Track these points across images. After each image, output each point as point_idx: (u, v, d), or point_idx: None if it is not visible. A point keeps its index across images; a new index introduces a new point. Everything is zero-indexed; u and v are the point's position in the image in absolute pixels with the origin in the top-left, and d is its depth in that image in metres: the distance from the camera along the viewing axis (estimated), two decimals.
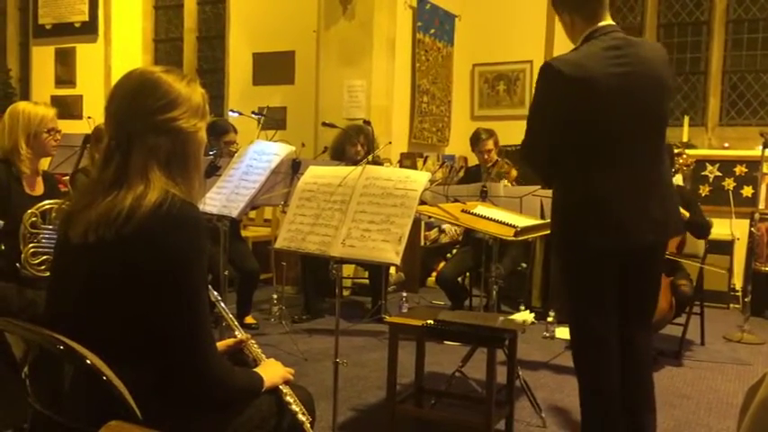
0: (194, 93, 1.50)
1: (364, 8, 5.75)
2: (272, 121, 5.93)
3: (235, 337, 1.84)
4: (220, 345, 1.75)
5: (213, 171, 3.67)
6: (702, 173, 5.83)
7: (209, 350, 1.45)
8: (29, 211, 2.64)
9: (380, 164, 4.69)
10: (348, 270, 5.62)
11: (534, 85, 2.43)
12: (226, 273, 3.63)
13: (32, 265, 2.53)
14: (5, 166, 2.75)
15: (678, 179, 4.85)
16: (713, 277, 4.85)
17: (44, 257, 2.56)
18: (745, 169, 5.74)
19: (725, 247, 5.50)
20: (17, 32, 8.50)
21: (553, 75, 2.28)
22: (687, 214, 4.11)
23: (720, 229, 4.56)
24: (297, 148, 4.07)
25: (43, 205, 2.68)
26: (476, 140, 4.86)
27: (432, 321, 2.62)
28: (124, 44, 7.78)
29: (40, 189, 2.85)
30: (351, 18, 5.79)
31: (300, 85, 6.61)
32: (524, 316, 2.76)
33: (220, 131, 4.61)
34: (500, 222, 2.86)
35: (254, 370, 1.66)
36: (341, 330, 2.70)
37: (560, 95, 2.29)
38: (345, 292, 5.66)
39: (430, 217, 3.14)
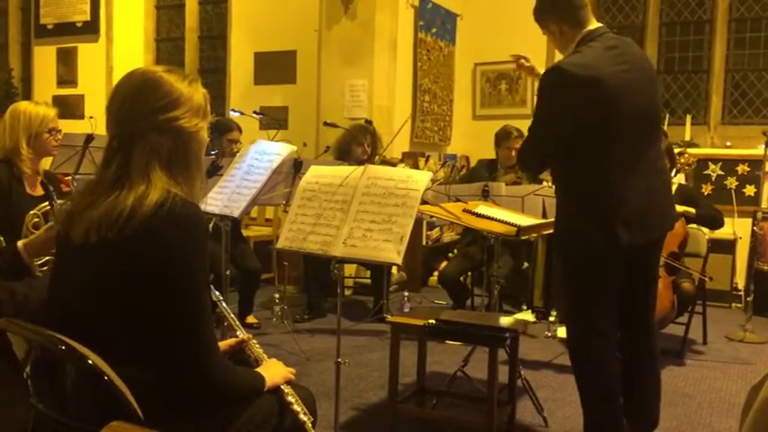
0: (196, 92, 1.50)
1: (366, 8, 5.75)
2: (274, 120, 5.93)
3: (236, 336, 1.84)
4: (222, 344, 1.75)
5: (215, 171, 3.67)
6: (705, 172, 5.82)
7: (210, 350, 1.45)
8: (31, 212, 2.64)
9: (393, 164, 4.67)
10: (350, 270, 5.62)
11: (541, 90, 2.44)
12: (227, 272, 3.63)
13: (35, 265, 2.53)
14: (6, 166, 2.75)
15: (680, 178, 4.84)
16: (715, 276, 4.84)
17: (46, 258, 2.56)
18: (747, 168, 5.73)
19: (727, 247, 5.50)
20: (19, 32, 8.50)
21: (566, 78, 2.31)
22: (693, 211, 4.10)
23: (723, 228, 4.55)
24: (298, 147, 4.06)
25: (45, 206, 2.68)
26: (505, 136, 4.75)
27: (433, 321, 2.62)
28: (126, 44, 7.78)
29: (40, 189, 2.85)
30: (352, 17, 5.79)
31: (302, 84, 6.61)
32: (526, 315, 2.75)
33: (224, 129, 4.61)
34: (502, 222, 2.86)
35: (256, 370, 1.66)
36: (342, 330, 2.70)
37: (574, 97, 2.32)
38: (347, 292, 5.66)
39: (432, 216, 3.13)
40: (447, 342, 3.92)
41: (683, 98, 6.50)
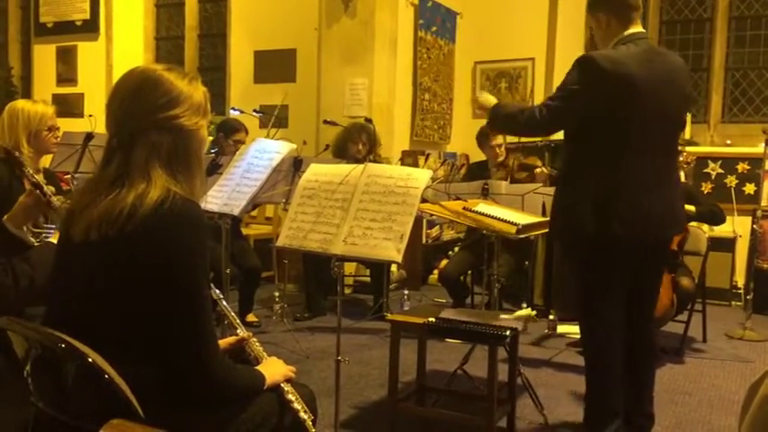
0: (196, 91, 1.50)
1: (366, 6, 5.74)
2: (275, 119, 5.93)
3: (236, 335, 1.84)
4: (222, 343, 1.75)
5: (215, 169, 3.67)
6: (704, 170, 5.82)
7: (211, 348, 1.45)
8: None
9: (380, 163, 4.68)
10: (350, 268, 5.62)
11: (570, 74, 2.51)
12: (227, 271, 3.63)
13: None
14: (6, 164, 2.74)
15: (680, 177, 4.83)
16: (715, 274, 4.84)
17: (41, 230, 2.54)
18: (747, 166, 5.73)
19: (727, 245, 5.50)
20: (18, 31, 8.50)
21: (594, 67, 2.43)
22: (693, 209, 4.10)
23: (722, 226, 4.55)
24: (298, 146, 4.06)
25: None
26: (484, 136, 4.77)
27: (433, 319, 2.62)
28: (125, 42, 7.77)
29: None
30: (352, 16, 5.78)
31: (302, 83, 6.61)
32: (526, 314, 2.76)
33: (231, 130, 4.62)
34: (502, 220, 2.86)
35: (256, 368, 1.66)
36: (342, 328, 2.70)
37: (598, 87, 2.42)
38: (347, 290, 5.66)
39: (431, 215, 3.13)
40: (447, 340, 3.93)
41: None
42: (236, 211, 3.40)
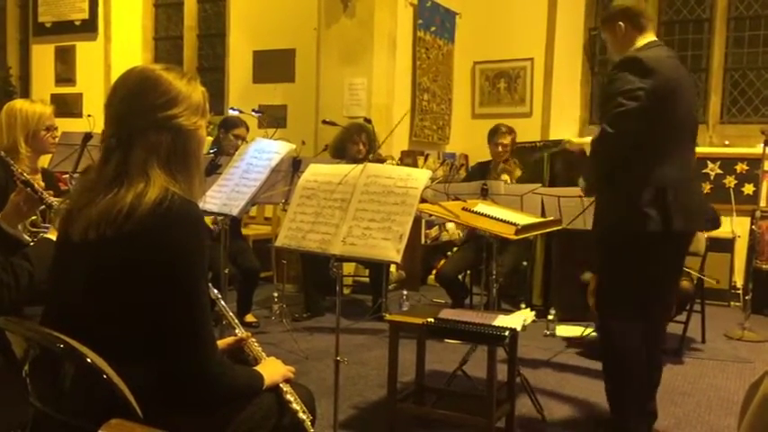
0: (194, 90, 1.50)
1: (365, 6, 5.74)
2: (273, 119, 5.92)
3: (235, 335, 1.84)
4: (221, 343, 1.75)
5: (214, 169, 3.66)
6: (703, 170, 5.82)
7: (209, 348, 1.45)
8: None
9: (382, 161, 4.69)
10: (349, 268, 5.62)
11: (618, 76, 2.57)
12: (226, 271, 3.63)
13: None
14: (4, 164, 2.74)
15: None
16: (714, 275, 4.84)
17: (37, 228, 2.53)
18: (746, 167, 5.74)
19: (726, 245, 5.50)
20: (17, 30, 8.49)
21: (643, 64, 2.54)
22: None
23: (721, 227, 4.56)
24: (297, 146, 4.06)
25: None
26: (494, 132, 4.87)
27: (432, 319, 2.62)
28: (124, 42, 7.77)
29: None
30: (351, 16, 5.78)
31: (301, 83, 6.61)
32: (525, 314, 2.75)
33: (231, 125, 4.63)
34: (501, 220, 2.86)
35: (255, 368, 1.66)
36: (341, 328, 2.70)
37: (648, 81, 2.51)
38: (346, 291, 5.66)
39: (431, 215, 3.13)
40: (446, 341, 3.93)
41: None
42: (234, 212, 3.39)
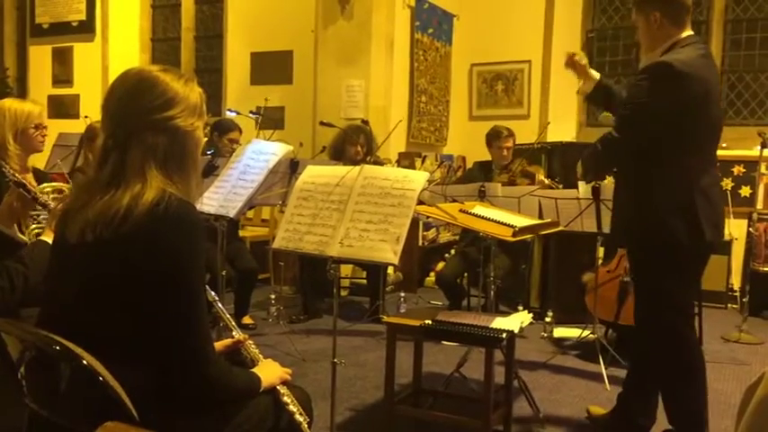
0: (192, 92, 1.49)
1: (362, 8, 5.74)
2: (270, 120, 5.92)
3: (232, 337, 1.83)
4: (218, 345, 1.75)
5: (211, 171, 3.66)
6: None
7: (207, 350, 1.44)
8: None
9: (381, 164, 4.69)
10: (346, 270, 5.61)
11: (645, 83, 2.49)
12: (223, 273, 3.62)
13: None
14: None
15: None
16: (711, 277, 4.85)
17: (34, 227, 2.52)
18: (743, 169, 5.74)
19: (723, 247, 5.50)
20: (14, 31, 8.48)
21: (675, 72, 2.41)
22: None
23: None
24: (295, 147, 4.06)
25: (44, 187, 2.66)
26: (496, 136, 4.80)
27: (430, 321, 2.61)
28: (121, 43, 7.76)
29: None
30: (349, 18, 5.78)
31: (299, 84, 6.61)
32: (522, 316, 2.75)
33: (225, 129, 4.62)
34: (498, 222, 2.86)
35: (252, 370, 1.65)
36: (339, 330, 2.69)
37: (680, 90, 2.42)
38: (343, 293, 5.65)
39: (428, 217, 3.13)
40: (443, 343, 3.92)
41: None
42: (232, 213, 3.39)
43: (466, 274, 4.92)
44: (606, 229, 3.68)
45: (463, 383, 3.27)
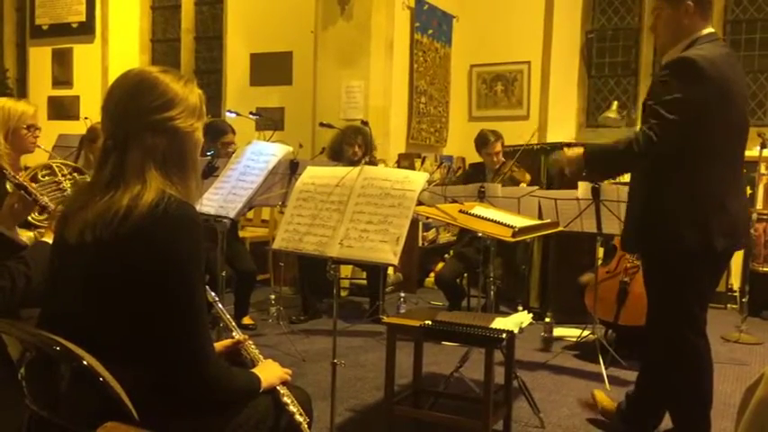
0: (191, 93, 1.50)
1: (362, 9, 5.75)
2: (270, 121, 5.93)
3: (232, 337, 1.83)
4: (218, 345, 1.75)
5: (211, 172, 3.66)
6: None
7: (206, 351, 1.44)
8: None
9: (375, 164, 4.69)
10: (346, 271, 5.61)
11: (672, 82, 2.38)
12: (223, 273, 3.62)
13: (39, 221, 2.48)
14: None
15: None
16: None
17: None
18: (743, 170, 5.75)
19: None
20: (14, 33, 8.48)
21: (698, 69, 2.32)
22: None
23: None
24: (294, 148, 4.06)
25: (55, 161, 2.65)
26: (484, 142, 4.82)
27: (429, 322, 2.62)
28: (121, 45, 7.76)
29: None
30: (348, 19, 5.79)
31: (298, 85, 6.61)
32: (522, 316, 2.75)
33: (218, 133, 4.58)
34: (498, 223, 2.86)
35: (252, 371, 1.66)
36: (339, 331, 2.70)
37: (703, 88, 2.33)
38: (343, 293, 5.65)
39: (428, 218, 3.13)
40: (443, 343, 3.92)
41: None
42: (232, 214, 3.39)
43: (466, 275, 4.93)
44: (606, 229, 3.69)
45: (463, 384, 3.27)
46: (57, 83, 7.96)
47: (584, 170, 2.61)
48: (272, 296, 4.80)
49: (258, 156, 3.56)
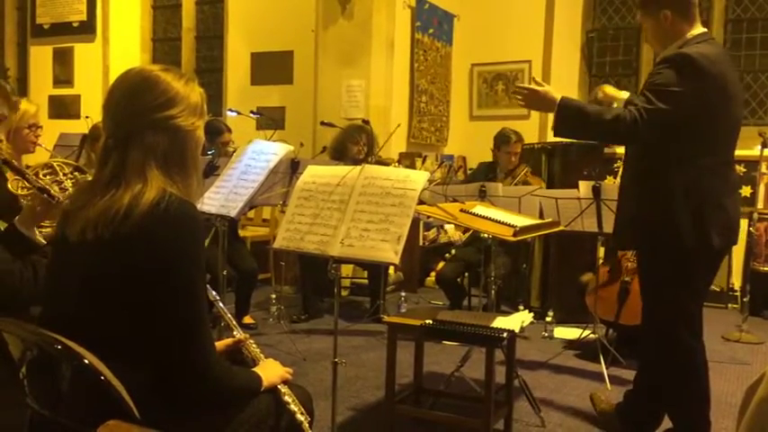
0: (192, 91, 1.50)
1: (363, 8, 5.74)
2: (271, 120, 5.92)
3: (233, 336, 1.83)
4: (219, 344, 1.75)
5: (212, 171, 3.66)
6: None
7: (207, 350, 1.44)
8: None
9: (387, 164, 4.68)
10: (347, 270, 5.61)
11: (665, 73, 2.39)
12: (224, 273, 3.62)
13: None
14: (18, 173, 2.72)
15: None
16: None
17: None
18: (743, 169, 5.74)
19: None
20: (15, 32, 8.48)
21: (696, 64, 2.33)
22: None
23: None
24: (295, 147, 4.06)
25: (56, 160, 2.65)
26: (505, 140, 4.75)
27: (430, 321, 2.62)
28: (122, 44, 7.77)
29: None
30: (349, 18, 5.78)
31: (299, 84, 6.61)
32: (523, 316, 2.75)
33: (215, 133, 4.58)
34: (499, 222, 2.86)
35: (253, 369, 1.66)
36: (340, 330, 2.69)
37: (700, 84, 2.34)
38: (344, 292, 5.65)
39: (429, 217, 3.13)
40: (444, 342, 3.92)
41: None
42: (233, 213, 3.39)
43: (467, 274, 4.92)
44: (607, 228, 3.68)
45: (464, 383, 3.27)
46: (57, 82, 7.96)
47: (554, 119, 2.50)
48: (273, 295, 4.80)
49: (259, 155, 3.56)
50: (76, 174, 2.56)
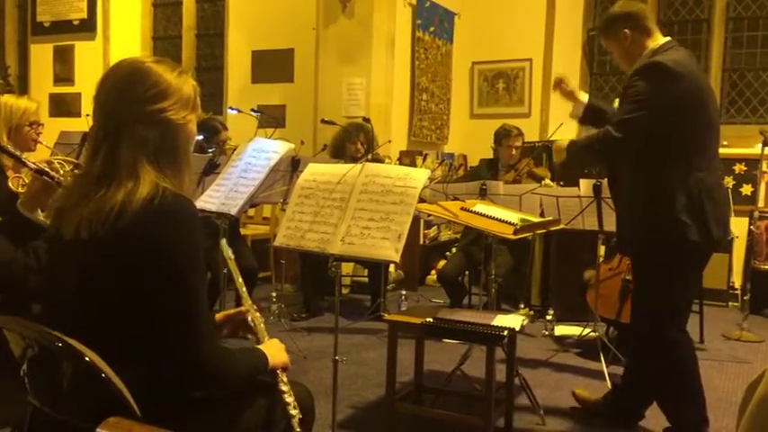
0: (185, 84, 1.47)
1: (364, 6, 5.74)
2: (271, 118, 5.92)
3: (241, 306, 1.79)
4: (220, 315, 1.74)
5: (212, 169, 3.66)
6: None
7: (206, 341, 1.42)
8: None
9: (381, 161, 4.69)
10: (347, 268, 5.61)
11: (639, 83, 2.52)
12: (225, 271, 3.62)
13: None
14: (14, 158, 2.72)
15: None
16: (712, 275, 4.85)
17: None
18: (744, 167, 5.74)
19: (724, 245, 5.50)
20: (15, 30, 8.48)
21: (666, 69, 2.47)
22: None
23: None
24: (296, 145, 4.06)
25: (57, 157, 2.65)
26: (506, 134, 4.78)
27: (431, 319, 2.62)
28: (123, 42, 7.76)
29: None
30: (350, 16, 5.78)
31: (300, 82, 6.61)
32: (523, 314, 2.76)
33: (212, 132, 4.57)
34: (500, 220, 2.86)
35: (258, 347, 1.63)
36: (340, 328, 2.70)
37: (674, 86, 2.46)
38: (344, 290, 5.65)
39: (429, 215, 3.13)
40: (444, 340, 3.92)
41: None
42: (233, 211, 3.39)
43: (467, 272, 4.92)
44: (607, 226, 3.68)
45: (464, 381, 3.27)
46: (58, 80, 7.96)
47: (564, 157, 2.80)
48: (274, 294, 4.79)
49: (260, 153, 3.56)
50: (77, 171, 2.56)
